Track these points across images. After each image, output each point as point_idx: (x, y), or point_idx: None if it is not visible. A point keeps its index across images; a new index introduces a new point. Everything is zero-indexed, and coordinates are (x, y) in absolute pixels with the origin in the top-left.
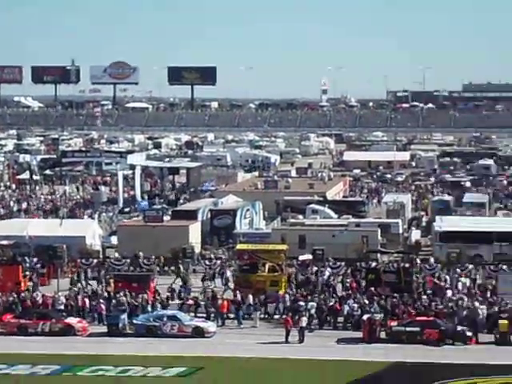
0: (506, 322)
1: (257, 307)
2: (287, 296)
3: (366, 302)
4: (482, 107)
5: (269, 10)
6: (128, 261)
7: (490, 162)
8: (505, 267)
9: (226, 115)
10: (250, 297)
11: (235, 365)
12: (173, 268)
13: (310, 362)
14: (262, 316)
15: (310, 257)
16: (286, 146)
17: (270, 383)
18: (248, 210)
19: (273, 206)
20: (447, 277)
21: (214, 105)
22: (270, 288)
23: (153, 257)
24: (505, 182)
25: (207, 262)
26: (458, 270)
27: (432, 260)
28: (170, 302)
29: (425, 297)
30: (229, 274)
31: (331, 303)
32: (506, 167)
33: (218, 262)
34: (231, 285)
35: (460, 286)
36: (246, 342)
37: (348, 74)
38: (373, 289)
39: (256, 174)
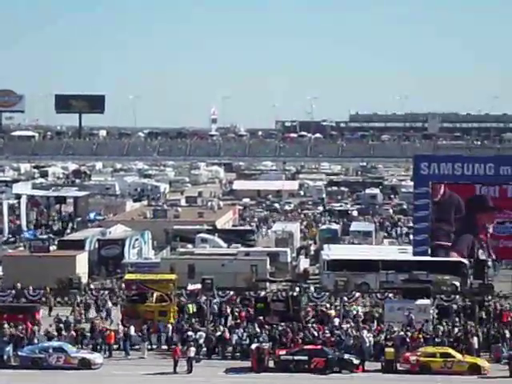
0: (391, 350)
1: (144, 338)
2: (170, 326)
3: (256, 330)
4: (369, 137)
5: (153, 35)
6: (13, 292)
7: (377, 191)
8: (391, 295)
9: (115, 144)
10: (135, 328)
11: None
12: (59, 299)
13: None
14: (150, 347)
15: (198, 286)
16: (176, 174)
17: None
18: (137, 239)
19: (162, 235)
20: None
21: (103, 133)
22: (158, 318)
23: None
24: (391, 210)
25: (94, 293)
26: (345, 298)
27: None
28: (56, 333)
29: (314, 325)
30: (110, 304)
31: (219, 332)
32: (392, 196)
33: (106, 292)
34: (114, 316)
35: (351, 314)
36: (133, 373)
37: (237, 104)
38: (261, 317)
39: (145, 203)
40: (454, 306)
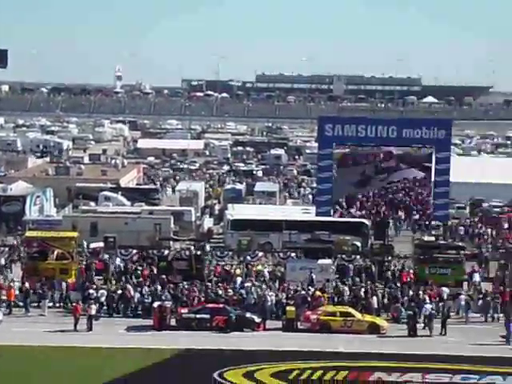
0: (292, 308)
1: (45, 295)
2: (64, 284)
3: (158, 288)
4: (275, 98)
5: None
6: None
7: (281, 151)
8: (293, 255)
9: (17, 99)
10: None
11: (22, 353)
12: None
13: (98, 350)
14: (51, 304)
15: (101, 244)
16: (79, 131)
17: (57, 372)
18: (38, 196)
19: (64, 192)
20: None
21: (5, 88)
22: (59, 276)
23: None
24: (295, 171)
25: None
26: (249, 257)
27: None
28: None
29: (215, 284)
30: (2, 261)
31: (121, 290)
32: (297, 157)
33: (7, 249)
34: (9, 272)
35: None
36: (33, 331)
37: (143, 61)
38: (164, 276)
39: (47, 159)
40: (352, 266)
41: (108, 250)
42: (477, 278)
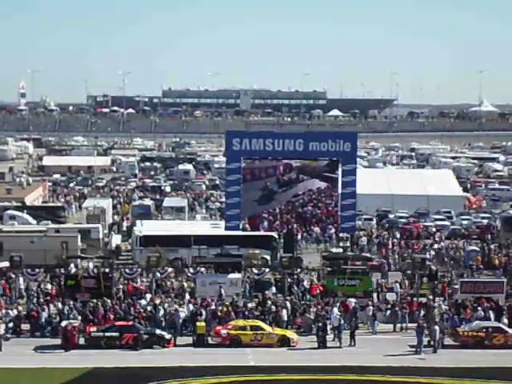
0: (202, 323)
1: None
2: None
3: (65, 307)
4: (182, 113)
5: None
6: None
7: (190, 166)
8: (203, 270)
9: None
10: None
11: None
12: None
13: (6, 370)
14: None
15: (7, 264)
16: None
17: None
18: None
19: None
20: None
21: None
22: None
23: None
24: (203, 186)
25: None
26: (158, 273)
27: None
28: None
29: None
30: None
31: (27, 310)
32: (205, 172)
33: None
34: None
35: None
36: None
37: (47, 77)
38: (72, 295)
39: None
40: (264, 279)
41: (14, 269)
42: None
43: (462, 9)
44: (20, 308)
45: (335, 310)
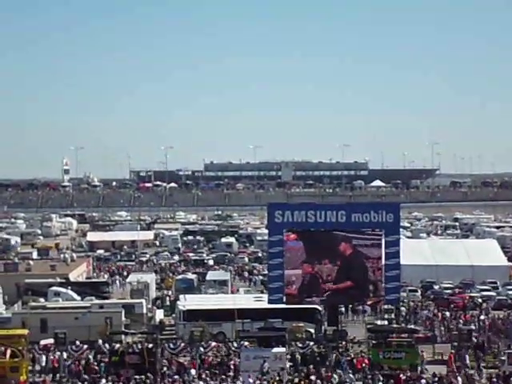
0: None
1: None
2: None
3: None
4: (224, 186)
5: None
6: None
7: (232, 239)
8: (246, 344)
9: None
10: None
11: None
12: None
13: None
14: None
15: (51, 341)
16: (27, 227)
17: None
18: None
19: (13, 289)
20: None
21: None
22: (10, 374)
23: None
24: (246, 259)
25: None
26: (202, 348)
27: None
28: None
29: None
30: None
31: None
32: (248, 244)
33: None
34: None
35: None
36: None
37: (90, 154)
38: (116, 371)
39: None
40: (309, 353)
41: (59, 346)
42: None
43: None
44: None
45: None
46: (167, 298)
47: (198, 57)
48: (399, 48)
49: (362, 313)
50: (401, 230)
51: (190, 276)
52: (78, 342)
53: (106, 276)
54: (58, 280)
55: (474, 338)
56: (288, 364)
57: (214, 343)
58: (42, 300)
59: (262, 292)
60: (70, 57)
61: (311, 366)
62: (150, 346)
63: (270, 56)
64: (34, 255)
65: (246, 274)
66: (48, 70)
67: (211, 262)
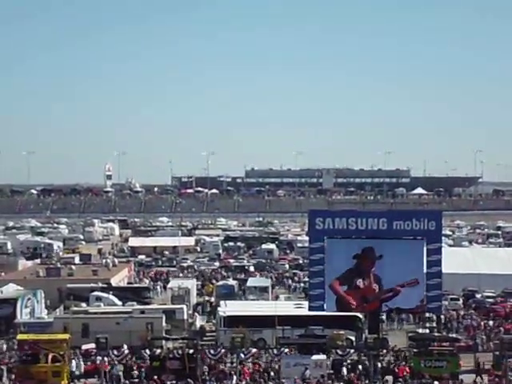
0: None
1: None
2: None
3: None
4: (265, 192)
5: (53, 94)
6: None
7: (273, 246)
8: (287, 350)
9: (6, 202)
10: None
11: None
12: None
13: None
14: None
15: (93, 345)
16: (70, 232)
17: None
18: (29, 298)
19: (55, 294)
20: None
21: None
22: (52, 379)
23: None
24: (287, 265)
25: None
26: (242, 355)
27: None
28: None
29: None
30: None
31: None
32: (288, 251)
33: None
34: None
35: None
36: None
37: (132, 160)
38: (156, 377)
39: (38, 261)
40: (349, 361)
41: (100, 350)
42: None
43: None
44: None
45: None
46: (208, 304)
47: (243, 63)
48: (455, 54)
49: (403, 321)
50: (443, 238)
51: (231, 282)
52: (125, 347)
53: (147, 281)
54: (100, 285)
55: None
56: (328, 371)
57: (254, 349)
58: (83, 305)
59: (303, 299)
60: (116, 61)
61: (352, 374)
62: (191, 351)
63: (309, 64)
64: (76, 260)
65: (288, 280)
66: (96, 74)
67: (252, 269)
